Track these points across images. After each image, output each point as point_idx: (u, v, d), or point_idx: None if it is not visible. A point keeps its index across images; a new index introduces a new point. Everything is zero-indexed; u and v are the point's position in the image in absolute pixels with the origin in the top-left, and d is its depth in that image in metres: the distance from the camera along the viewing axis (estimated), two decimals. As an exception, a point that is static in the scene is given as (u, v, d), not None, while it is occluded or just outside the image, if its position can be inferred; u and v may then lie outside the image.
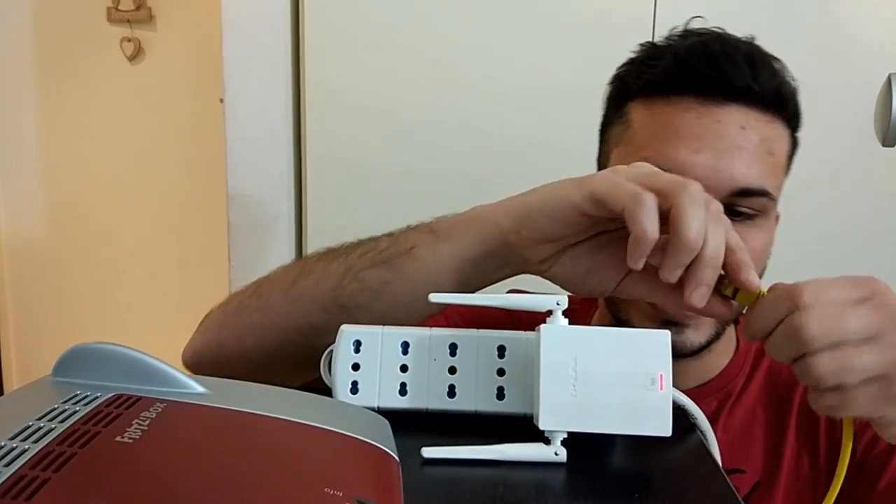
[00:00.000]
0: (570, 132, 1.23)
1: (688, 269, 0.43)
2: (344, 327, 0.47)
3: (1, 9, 1.90)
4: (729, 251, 0.44)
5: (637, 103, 0.64)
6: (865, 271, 1.33)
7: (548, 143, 1.23)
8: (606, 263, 0.49)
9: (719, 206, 0.45)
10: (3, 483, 0.25)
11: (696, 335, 0.61)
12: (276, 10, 1.25)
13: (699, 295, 0.43)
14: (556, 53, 1.21)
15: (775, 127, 0.62)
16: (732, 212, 0.60)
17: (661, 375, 0.41)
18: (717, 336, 0.63)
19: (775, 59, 0.64)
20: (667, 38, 0.65)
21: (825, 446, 0.65)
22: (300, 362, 0.55)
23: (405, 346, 0.46)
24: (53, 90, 1.93)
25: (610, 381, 0.41)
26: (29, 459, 0.27)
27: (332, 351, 0.47)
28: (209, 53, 1.46)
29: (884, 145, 1.21)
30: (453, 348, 0.46)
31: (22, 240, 2.02)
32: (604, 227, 0.48)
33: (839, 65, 1.20)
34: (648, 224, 0.42)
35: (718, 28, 0.65)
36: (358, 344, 0.46)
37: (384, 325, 0.48)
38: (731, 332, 0.72)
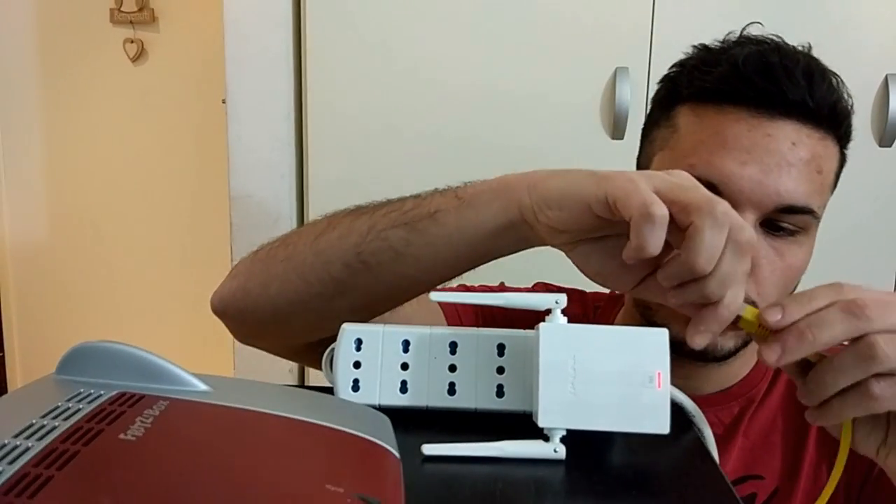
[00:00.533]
0: (567, 140, 1.24)
1: (699, 305, 0.42)
2: (345, 326, 0.47)
3: (4, 10, 1.90)
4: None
5: (687, 108, 0.62)
6: (862, 270, 1.34)
7: (544, 148, 1.23)
8: (622, 264, 0.46)
9: (750, 236, 0.42)
10: (6, 481, 0.25)
11: (724, 340, 0.60)
12: (278, 12, 1.25)
13: (701, 339, 0.41)
14: (555, 62, 1.21)
15: (826, 145, 0.60)
16: (774, 226, 0.59)
17: (659, 373, 0.41)
18: (745, 343, 0.62)
19: (834, 74, 0.62)
20: (722, 43, 0.64)
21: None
22: (320, 316, 0.55)
23: (406, 345, 0.47)
24: (56, 91, 1.94)
25: (608, 379, 0.41)
26: (32, 457, 0.27)
27: (333, 349, 0.47)
28: (212, 55, 1.46)
29: (881, 145, 1.21)
30: (453, 346, 0.46)
31: (26, 240, 2.02)
32: (620, 230, 0.46)
33: (837, 65, 1.19)
34: (650, 240, 0.40)
35: (776, 36, 0.64)
36: (359, 342, 0.47)
37: (404, 286, 0.49)
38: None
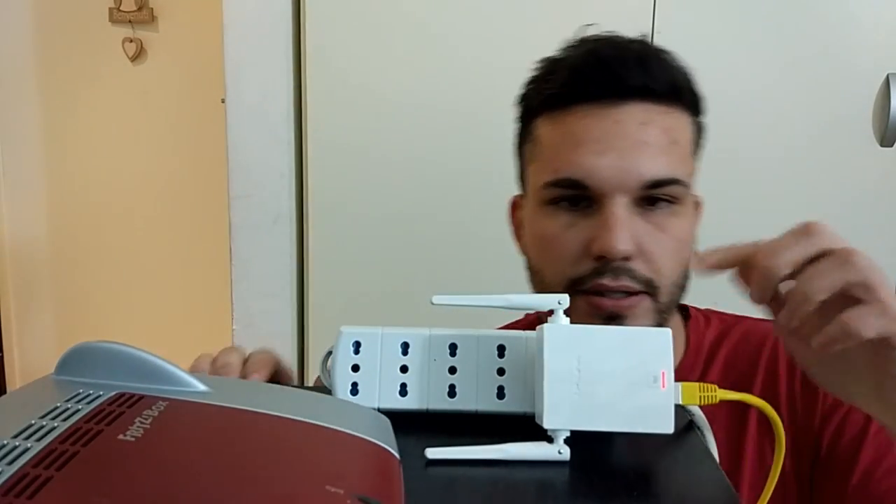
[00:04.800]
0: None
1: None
2: (343, 328, 0.47)
3: (3, 10, 1.90)
4: None
5: (542, 119, 0.66)
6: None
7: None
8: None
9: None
10: (5, 481, 0.25)
11: (637, 325, 0.61)
12: (278, 11, 1.25)
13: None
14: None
15: (676, 116, 0.64)
16: (649, 201, 0.62)
17: (663, 373, 0.41)
18: (660, 326, 0.63)
19: (665, 51, 0.65)
20: (562, 49, 0.67)
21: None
22: None
23: (405, 347, 0.46)
24: (56, 91, 1.94)
25: (613, 379, 0.41)
26: (31, 458, 0.27)
27: (331, 352, 0.47)
28: (211, 54, 1.46)
29: (882, 145, 1.21)
30: (453, 348, 0.46)
31: (25, 239, 2.02)
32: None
33: (838, 65, 1.20)
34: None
35: (609, 32, 0.67)
36: (357, 345, 0.46)
37: None
38: (679, 329, 0.72)
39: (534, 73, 0.68)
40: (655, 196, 0.61)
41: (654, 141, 0.61)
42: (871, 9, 1.18)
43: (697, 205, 0.70)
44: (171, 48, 1.88)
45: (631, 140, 0.60)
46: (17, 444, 0.28)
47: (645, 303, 0.61)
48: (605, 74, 0.61)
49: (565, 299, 0.44)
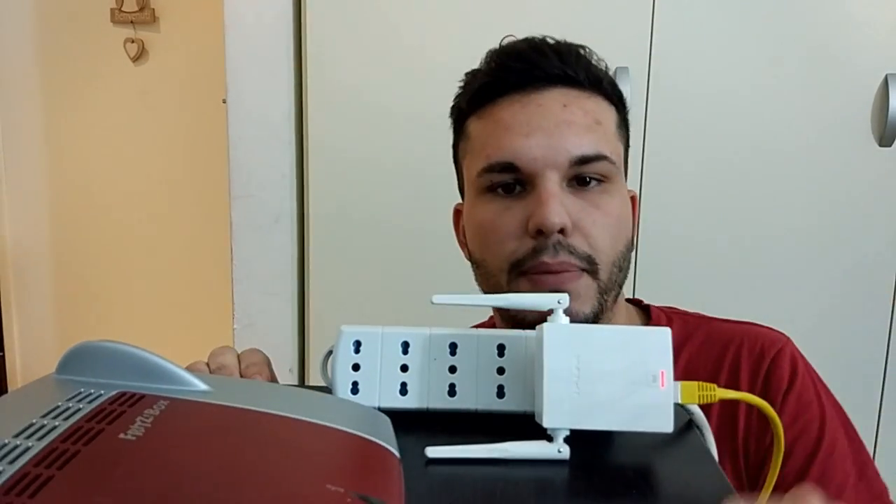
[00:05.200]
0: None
1: None
2: (343, 328, 0.47)
3: (4, 10, 1.90)
4: None
5: (472, 118, 0.68)
6: (862, 270, 1.34)
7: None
8: None
9: None
10: (6, 480, 0.25)
11: (579, 304, 0.62)
12: (279, 12, 1.25)
13: None
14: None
15: (597, 101, 0.65)
16: (581, 181, 0.63)
17: (663, 372, 0.41)
18: (602, 308, 0.63)
19: (582, 46, 0.67)
20: (484, 58, 0.69)
21: (743, 438, 0.66)
22: None
23: (405, 346, 0.46)
24: (57, 91, 1.94)
25: (612, 378, 0.41)
26: (33, 457, 0.27)
27: (331, 351, 0.47)
28: (212, 54, 1.46)
29: (881, 145, 1.21)
30: (453, 348, 0.46)
31: (26, 239, 2.02)
32: None
33: (837, 65, 1.20)
34: None
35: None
36: (358, 344, 0.46)
37: None
38: (635, 321, 0.73)
39: (461, 84, 0.71)
40: (586, 175, 0.63)
41: (578, 120, 0.63)
42: (870, 9, 1.18)
43: (634, 199, 0.71)
44: (172, 49, 1.88)
45: (555, 120, 0.62)
46: (18, 443, 0.28)
47: (585, 280, 0.62)
48: (524, 63, 0.64)
49: (565, 299, 0.44)
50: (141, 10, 1.84)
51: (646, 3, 1.19)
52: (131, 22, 1.86)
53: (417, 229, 1.26)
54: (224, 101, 1.27)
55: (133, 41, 1.87)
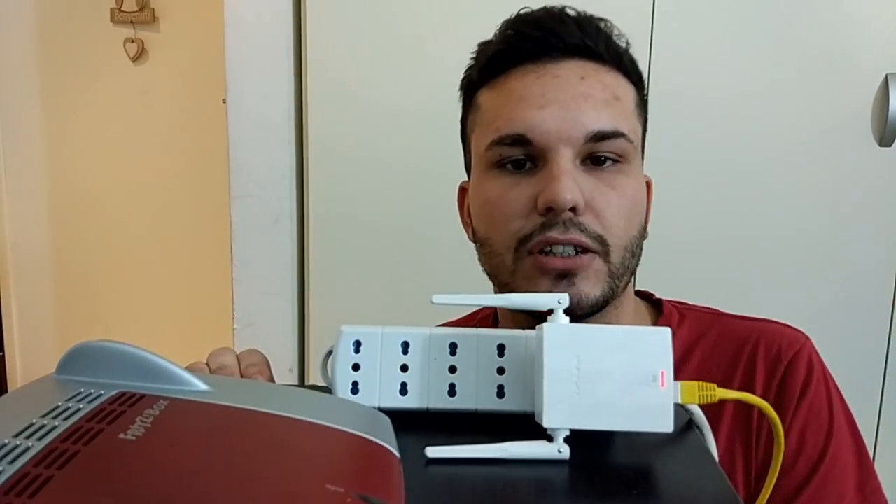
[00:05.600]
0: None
1: None
2: (343, 328, 0.47)
3: (4, 10, 1.90)
4: None
5: (484, 89, 0.65)
6: (862, 270, 1.34)
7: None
8: None
9: None
10: (6, 480, 0.25)
11: (588, 286, 0.59)
12: (279, 11, 1.25)
13: None
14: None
15: (616, 76, 0.62)
16: (596, 160, 0.60)
17: (663, 372, 0.41)
18: (612, 293, 0.61)
19: (602, 19, 0.64)
20: (499, 27, 0.66)
21: (756, 433, 0.64)
22: None
23: (405, 346, 0.46)
24: (57, 91, 1.94)
25: (612, 378, 0.41)
26: (32, 457, 0.27)
27: (331, 351, 0.47)
28: (212, 54, 1.46)
29: (880, 145, 1.21)
30: (453, 347, 0.46)
31: (25, 238, 2.02)
32: None
33: (837, 65, 1.20)
34: None
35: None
36: (358, 344, 0.46)
37: None
38: (647, 324, 0.69)
39: (472, 55, 0.67)
40: (601, 154, 0.60)
41: (597, 94, 0.60)
42: (871, 9, 1.18)
43: (649, 185, 0.68)
44: (172, 48, 1.88)
45: (572, 92, 0.59)
46: (18, 443, 0.28)
47: (596, 262, 0.59)
48: (542, 31, 0.61)
49: (565, 298, 0.44)
50: (141, 9, 1.84)
51: (646, 3, 1.19)
52: (131, 22, 1.86)
53: (418, 229, 1.26)
54: (224, 101, 1.27)
55: (133, 41, 1.87)
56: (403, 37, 1.24)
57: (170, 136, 1.92)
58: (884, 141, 1.20)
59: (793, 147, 1.22)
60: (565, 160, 0.58)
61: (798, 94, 1.21)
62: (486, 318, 0.76)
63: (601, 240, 0.59)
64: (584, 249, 0.59)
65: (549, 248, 0.59)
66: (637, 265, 0.65)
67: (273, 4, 1.25)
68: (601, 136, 0.59)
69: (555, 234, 0.58)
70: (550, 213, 0.58)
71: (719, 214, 1.25)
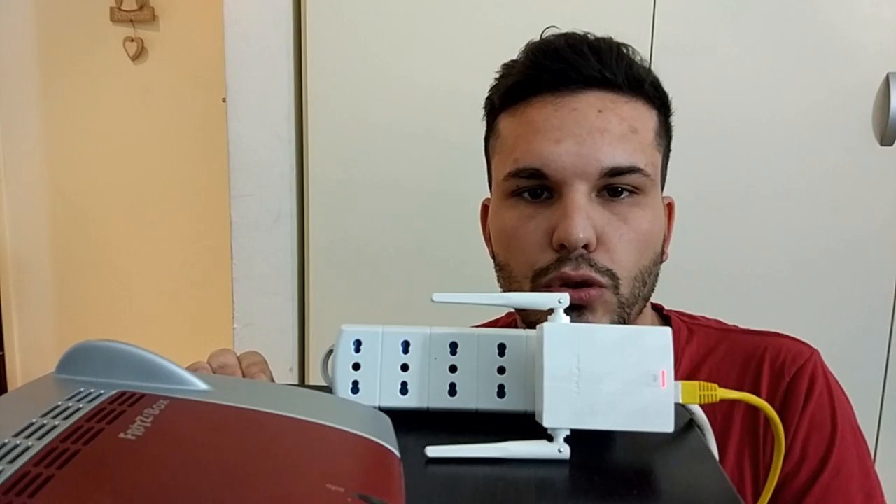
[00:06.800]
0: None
1: None
2: (344, 327, 0.47)
3: (4, 9, 1.90)
4: None
5: (504, 115, 0.66)
6: (862, 270, 1.34)
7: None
8: None
9: None
10: (6, 480, 0.25)
11: (597, 318, 0.61)
12: (279, 11, 1.25)
13: None
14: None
15: (635, 106, 0.63)
16: (612, 192, 0.61)
17: (663, 372, 0.41)
18: (623, 322, 0.62)
19: (624, 45, 0.65)
20: (523, 51, 0.67)
21: (763, 434, 0.65)
22: None
23: (405, 346, 0.46)
24: (56, 90, 1.94)
25: (613, 378, 0.41)
26: (32, 456, 0.27)
27: (332, 351, 0.47)
28: (212, 53, 1.46)
29: (882, 144, 1.21)
30: (454, 347, 0.46)
31: (25, 238, 2.02)
32: None
33: (838, 64, 1.20)
34: None
35: (570, 31, 0.67)
36: (358, 343, 0.46)
37: None
38: None
39: (497, 76, 0.69)
40: (617, 186, 0.61)
41: (613, 128, 0.60)
42: (871, 9, 1.18)
43: (670, 206, 0.69)
44: (172, 47, 1.88)
45: (588, 127, 0.60)
46: (18, 442, 0.28)
47: (605, 295, 0.60)
48: (560, 64, 0.61)
49: (565, 298, 0.44)
50: (140, 8, 1.84)
51: (646, 2, 1.19)
52: (131, 21, 1.85)
53: (418, 229, 1.26)
54: (224, 100, 1.27)
55: (132, 40, 1.86)
56: (404, 37, 1.24)
57: (170, 135, 1.92)
58: (885, 140, 1.20)
59: (793, 145, 1.22)
60: (579, 195, 0.60)
61: (798, 93, 1.21)
62: (511, 323, 0.78)
63: (611, 274, 0.61)
64: (594, 283, 0.60)
65: (563, 283, 0.61)
66: (652, 289, 0.66)
67: (273, 4, 1.25)
68: (616, 172, 0.60)
69: (567, 270, 0.60)
70: (564, 250, 0.60)
71: (719, 214, 1.25)
